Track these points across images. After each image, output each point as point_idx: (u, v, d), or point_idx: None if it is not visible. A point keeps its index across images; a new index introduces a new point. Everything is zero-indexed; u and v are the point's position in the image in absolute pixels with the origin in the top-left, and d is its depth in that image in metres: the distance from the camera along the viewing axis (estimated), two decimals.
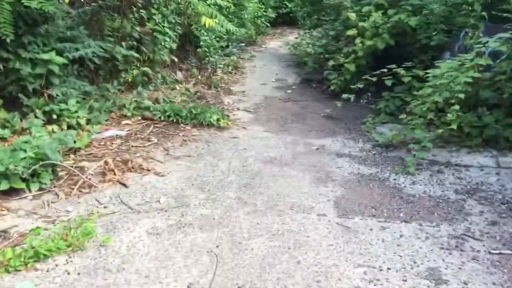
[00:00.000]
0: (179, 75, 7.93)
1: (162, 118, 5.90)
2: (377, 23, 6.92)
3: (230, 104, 6.99)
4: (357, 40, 7.16)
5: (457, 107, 4.62)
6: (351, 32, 7.28)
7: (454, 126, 4.65)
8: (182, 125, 5.83)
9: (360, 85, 6.19)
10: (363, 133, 5.78)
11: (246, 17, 11.05)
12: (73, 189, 3.92)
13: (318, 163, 4.76)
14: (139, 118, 5.97)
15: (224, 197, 3.91)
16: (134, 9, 7.14)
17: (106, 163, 4.31)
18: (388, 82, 6.05)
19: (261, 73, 9.12)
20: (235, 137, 5.53)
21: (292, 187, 4.15)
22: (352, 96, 6.31)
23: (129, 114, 5.95)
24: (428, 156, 4.74)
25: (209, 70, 8.64)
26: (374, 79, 6.02)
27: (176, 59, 7.98)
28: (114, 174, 4.26)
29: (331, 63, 7.43)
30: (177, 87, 7.37)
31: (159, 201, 3.81)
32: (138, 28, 7.04)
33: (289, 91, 7.93)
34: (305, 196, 3.97)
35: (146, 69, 6.91)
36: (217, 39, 9.35)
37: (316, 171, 4.55)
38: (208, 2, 8.26)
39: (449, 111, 4.68)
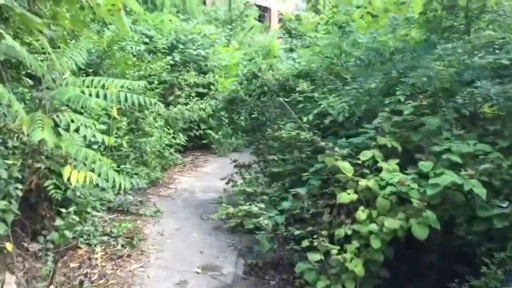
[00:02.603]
0: (11, 285, 3.89)
1: None
2: (400, 185, 3.74)
3: None
4: (362, 215, 3.87)
5: None
6: (346, 196, 4.01)
7: None
8: None
9: None
10: None
11: (148, 150, 7.50)
12: None
13: None
14: None
15: None
16: None
17: None
18: None
19: (174, 251, 5.37)
20: None
21: None
22: None
23: None
24: None
25: (80, 254, 4.73)
26: None
27: (9, 246, 4.00)
28: None
29: (313, 256, 3.95)
30: None
31: None
32: None
33: None
34: None
35: None
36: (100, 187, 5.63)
37: None
38: (80, 134, 4.63)
39: None
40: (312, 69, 6.88)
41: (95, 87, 4.39)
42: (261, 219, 4.60)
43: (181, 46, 10.97)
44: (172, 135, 9.19)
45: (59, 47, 5.44)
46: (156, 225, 6.20)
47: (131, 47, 8.38)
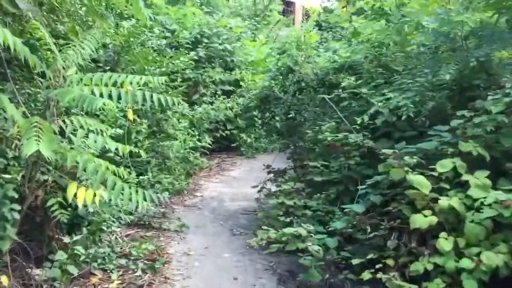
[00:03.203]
0: None
1: None
2: (504, 207, 2.85)
3: None
4: (445, 244, 2.99)
5: None
6: (423, 220, 3.14)
7: None
8: None
9: None
10: None
11: (171, 156, 6.74)
12: None
13: None
14: None
15: None
16: None
17: None
18: None
19: (204, 278, 4.56)
20: None
21: None
22: None
23: None
24: None
25: (93, 284, 3.97)
26: None
27: (5, 280, 3.28)
28: None
29: None
30: None
31: None
32: None
33: None
34: None
35: None
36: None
37: None
38: (89, 142, 3.87)
39: None
40: (356, 61, 5.99)
41: (106, 85, 3.60)
42: (309, 244, 3.76)
43: (205, 40, 10.20)
44: (197, 137, 8.42)
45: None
46: (182, 242, 5.42)
47: (151, 42, 7.63)
